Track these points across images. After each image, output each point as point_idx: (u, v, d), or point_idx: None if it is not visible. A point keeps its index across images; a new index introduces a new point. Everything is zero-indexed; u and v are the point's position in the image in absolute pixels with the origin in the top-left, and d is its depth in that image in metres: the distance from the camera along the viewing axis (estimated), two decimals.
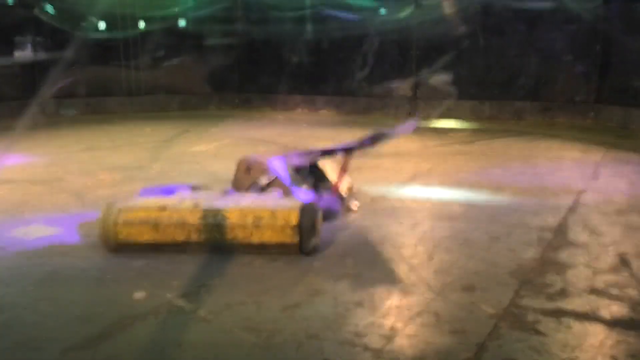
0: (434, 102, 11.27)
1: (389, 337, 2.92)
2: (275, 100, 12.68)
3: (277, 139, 8.82)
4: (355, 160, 5.04)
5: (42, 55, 11.66)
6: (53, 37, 11.79)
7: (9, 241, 4.37)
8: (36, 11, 11.55)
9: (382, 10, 11.53)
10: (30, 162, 7.25)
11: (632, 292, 3.41)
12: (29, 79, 11.46)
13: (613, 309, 3.19)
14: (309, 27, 12.20)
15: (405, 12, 11.24)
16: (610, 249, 4.11)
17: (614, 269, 3.74)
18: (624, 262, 3.87)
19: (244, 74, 13.09)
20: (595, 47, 10.07)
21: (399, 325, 3.04)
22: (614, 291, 3.42)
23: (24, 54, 11.59)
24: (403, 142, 8.53)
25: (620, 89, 9.74)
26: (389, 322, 3.07)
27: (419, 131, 9.49)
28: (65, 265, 3.91)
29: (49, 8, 11.63)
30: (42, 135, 9.23)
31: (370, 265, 3.86)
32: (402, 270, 3.76)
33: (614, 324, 3.04)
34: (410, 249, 4.17)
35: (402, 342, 2.88)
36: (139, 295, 3.42)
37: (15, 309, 3.29)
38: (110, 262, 3.96)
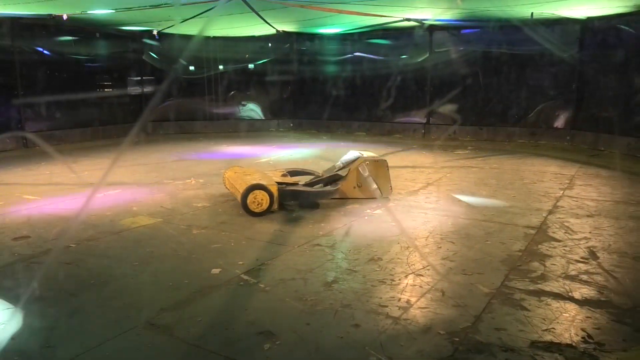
0: (443, 127, 11.19)
1: (405, 308, 2.92)
2: (320, 124, 12.73)
3: (322, 153, 8.87)
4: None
5: (147, 89, 12.02)
6: (155, 75, 12.12)
7: (120, 227, 4.52)
8: (144, 56, 11.91)
9: (404, 55, 11.46)
10: (135, 170, 7.45)
11: (598, 278, 3.33)
12: (137, 106, 11.81)
13: (583, 291, 3.13)
14: (347, 67, 12.22)
15: (422, 57, 11.19)
16: (581, 243, 4.02)
17: (584, 260, 3.66)
18: (592, 254, 3.78)
19: (296, 103, 13.19)
20: (572, 84, 9.85)
21: (413, 299, 3.04)
22: (584, 277, 3.35)
23: (134, 88, 11.96)
24: (418, 157, 8.48)
25: (592, 119, 9.50)
26: (405, 296, 3.07)
27: (432, 149, 9.42)
28: (162, 247, 4.02)
29: (153, 53, 11.97)
30: (143, 149, 9.47)
31: (392, 252, 3.86)
32: (416, 256, 3.75)
33: (583, 303, 2.97)
34: (422, 240, 4.15)
35: (415, 312, 2.87)
36: (215, 270, 3.50)
37: (125, 279, 3.40)
38: (195, 245, 4.06)
